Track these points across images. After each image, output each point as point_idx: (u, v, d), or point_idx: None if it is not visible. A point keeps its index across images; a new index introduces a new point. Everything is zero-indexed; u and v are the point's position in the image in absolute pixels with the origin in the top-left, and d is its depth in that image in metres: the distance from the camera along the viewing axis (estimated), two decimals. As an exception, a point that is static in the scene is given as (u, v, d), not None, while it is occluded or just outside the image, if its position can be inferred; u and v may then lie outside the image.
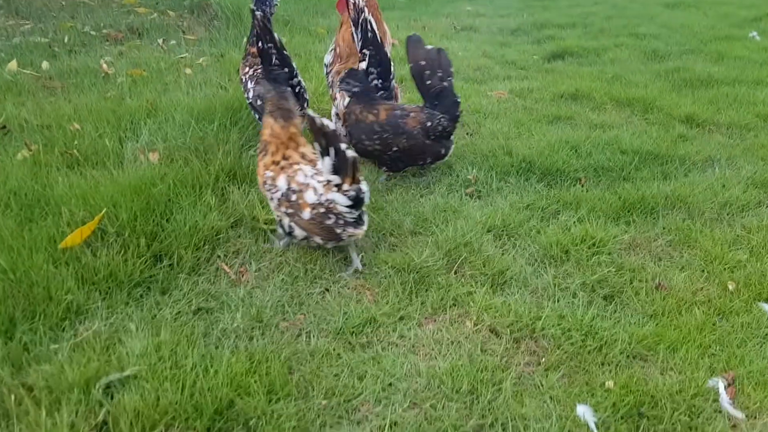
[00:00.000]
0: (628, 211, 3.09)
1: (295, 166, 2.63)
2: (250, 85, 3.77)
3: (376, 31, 3.57)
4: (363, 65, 3.58)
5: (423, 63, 3.43)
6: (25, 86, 4.36)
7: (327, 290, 2.57)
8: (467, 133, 4.28)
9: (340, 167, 2.43)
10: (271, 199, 2.68)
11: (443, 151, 3.45)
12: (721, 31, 7.45)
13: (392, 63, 3.65)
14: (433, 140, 3.37)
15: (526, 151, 3.73)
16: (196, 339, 2.21)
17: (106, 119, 3.73)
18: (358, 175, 2.45)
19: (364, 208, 2.60)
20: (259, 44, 3.53)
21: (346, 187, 2.45)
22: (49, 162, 3.20)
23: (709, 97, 4.88)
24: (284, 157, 2.67)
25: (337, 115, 3.78)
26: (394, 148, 3.35)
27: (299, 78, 3.62)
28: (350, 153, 2.38)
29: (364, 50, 3.57)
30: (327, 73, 4.02)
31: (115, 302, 2.36)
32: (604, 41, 7.08)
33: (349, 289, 2.56)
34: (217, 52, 5.69)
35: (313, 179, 2.57)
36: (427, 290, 2.52)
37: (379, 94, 3.53)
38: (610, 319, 2.35)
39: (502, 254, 2.76)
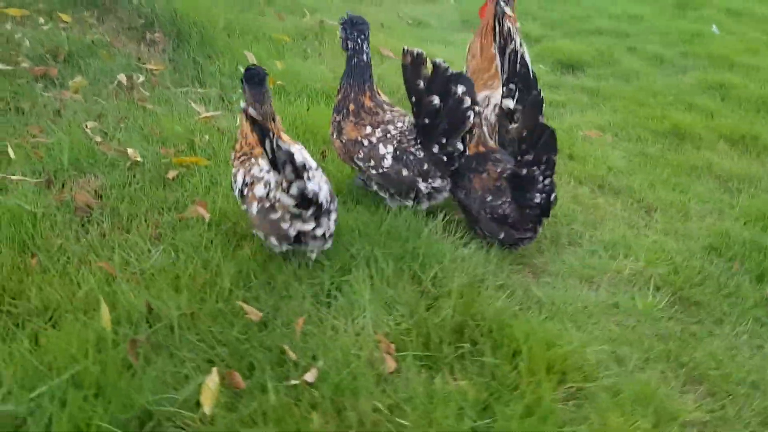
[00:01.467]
0: None
1: (253, 160, 2.47)
2: (385, 150, 2.95)
3: (530, 66, 2.82)
4: (509, 104, 2.86)
5: None
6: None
7: None
8: (645, 210, 3.44)
9: (277, 163, 2.16)
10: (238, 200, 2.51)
11: None
12: (680, 23, 7.33)
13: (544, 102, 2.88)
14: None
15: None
16: None
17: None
18: (300, 171, 2.17)
19: (332, 209, 2.40)
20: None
21: (285, 184, 2.23)
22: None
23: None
24: (245, 153, 2.52)
25: None
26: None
27: None
28: (284, 146, 2.09)
29: (510, 85, 2.85)
30: None
31: None
32: (589, 43, 6.51)
33: None
34: (217, 95, 4.07)
35: (268, 174, 2.35)
36: None
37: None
38: None
39: None
